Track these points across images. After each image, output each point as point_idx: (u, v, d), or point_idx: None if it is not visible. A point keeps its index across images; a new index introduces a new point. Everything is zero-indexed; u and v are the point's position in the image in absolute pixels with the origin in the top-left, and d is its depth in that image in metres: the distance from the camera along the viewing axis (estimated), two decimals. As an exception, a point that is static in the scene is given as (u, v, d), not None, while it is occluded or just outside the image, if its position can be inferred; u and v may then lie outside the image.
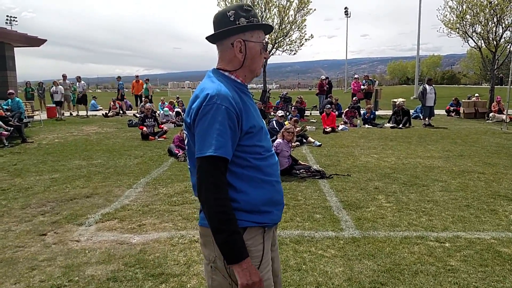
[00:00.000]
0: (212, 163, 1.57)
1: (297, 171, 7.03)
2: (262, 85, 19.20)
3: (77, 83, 19.92)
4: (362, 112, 16.40)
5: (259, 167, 1.72)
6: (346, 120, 15.20)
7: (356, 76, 20.92)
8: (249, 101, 1.76)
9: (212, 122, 1.58)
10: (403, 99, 16.37)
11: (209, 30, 1.85)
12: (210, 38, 1.79)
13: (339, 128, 13.79)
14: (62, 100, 18.20)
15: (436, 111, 15.69)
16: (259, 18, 1.91)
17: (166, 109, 16.42)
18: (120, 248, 4.12)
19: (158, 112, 16.57)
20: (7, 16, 53.12)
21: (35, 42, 17.54)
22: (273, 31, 17.09)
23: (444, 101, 21.11)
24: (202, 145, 1.59)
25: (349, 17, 56.98)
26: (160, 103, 19.85)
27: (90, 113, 20.70)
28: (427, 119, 14.65)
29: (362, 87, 18.80)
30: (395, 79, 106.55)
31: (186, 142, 1.78)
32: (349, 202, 5.51)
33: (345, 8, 56.70)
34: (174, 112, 16.48)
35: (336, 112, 16.00)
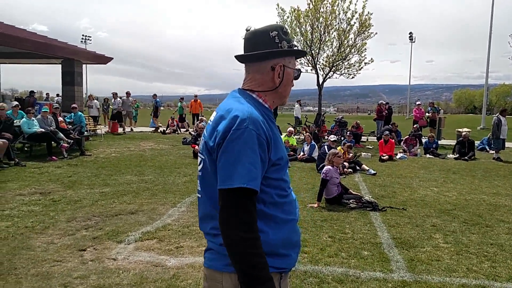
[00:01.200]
0: (244, 197, 1.37)
1: (347, 201, 6.65)
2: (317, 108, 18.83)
3: (113, 99, 19.63)
4: (423, 140, 15.57)
5: (280, 204, 1.53)
6: (406, 148, 14.48)
7: (418, 102, 20.00)
8: (275, 129, 1.57)
9: (244, 149, 1.38)
10: (469, 129, 15.36)
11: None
12: (245, 56, 1.62)
13: (397, 157, 13.10)
14: (98, 115, 18.67)
15: (506, 144, 14.55)
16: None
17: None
18: (154, 270, 4.00)
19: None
20: (83, 35, 57.00)
21: (102, 59, 18.53)
22: (332, 54, 16.82)
23: (515, 133, 19.57)
24: (230, 175, 1.38)
25: (414, 42, 55.55)
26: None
27: (149, 129, 21.35)
28: (496, 151, 13.61)
29: (426, 114, 17.99)
30: (461, 107, 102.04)
31: (200, 167, 1.58)
32: (402, 240, 5.06)
33: (410, 33, 55.44)
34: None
35: (395, 139, 15.33)
